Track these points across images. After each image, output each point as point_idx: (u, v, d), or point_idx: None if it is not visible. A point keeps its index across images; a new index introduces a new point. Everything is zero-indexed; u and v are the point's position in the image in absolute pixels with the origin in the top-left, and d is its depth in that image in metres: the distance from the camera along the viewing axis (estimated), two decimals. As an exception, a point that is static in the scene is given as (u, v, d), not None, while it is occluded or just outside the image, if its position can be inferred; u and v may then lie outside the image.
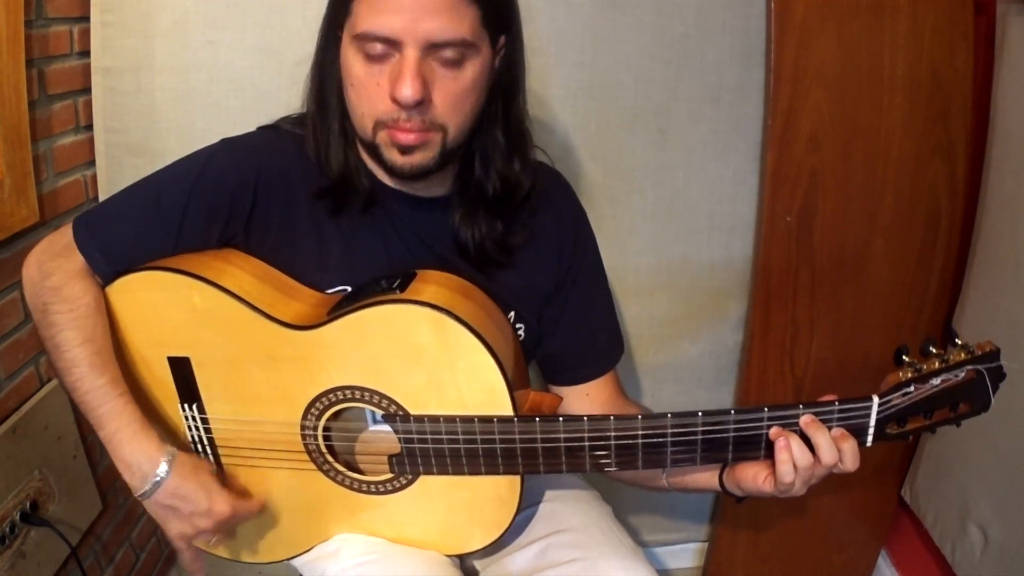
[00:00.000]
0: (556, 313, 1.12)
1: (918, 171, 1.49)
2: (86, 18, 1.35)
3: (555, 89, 1.46)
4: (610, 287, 1.19)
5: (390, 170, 0.95)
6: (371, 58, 0.87)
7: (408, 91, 0.85)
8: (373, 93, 0.89)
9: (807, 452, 0.89)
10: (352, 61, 0.89)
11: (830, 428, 0.89)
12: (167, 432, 1.03)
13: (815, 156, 1.47)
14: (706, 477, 1.03)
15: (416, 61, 0.85)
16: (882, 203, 1.51)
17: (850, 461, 0.89)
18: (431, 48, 0.86)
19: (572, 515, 1.11)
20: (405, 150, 0.91)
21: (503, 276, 1.05)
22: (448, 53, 0.87)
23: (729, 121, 1.53)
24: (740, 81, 1.50)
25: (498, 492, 0.98)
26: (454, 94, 0.89)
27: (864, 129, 1.46)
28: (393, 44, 0.85)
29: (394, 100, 0.87)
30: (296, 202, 1.00)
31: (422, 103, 0.87)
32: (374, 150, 0.94)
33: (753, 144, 1.54)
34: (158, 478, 0.91)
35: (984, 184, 1.47)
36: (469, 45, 0.87)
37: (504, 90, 0.99)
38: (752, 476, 0.95)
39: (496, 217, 1.03)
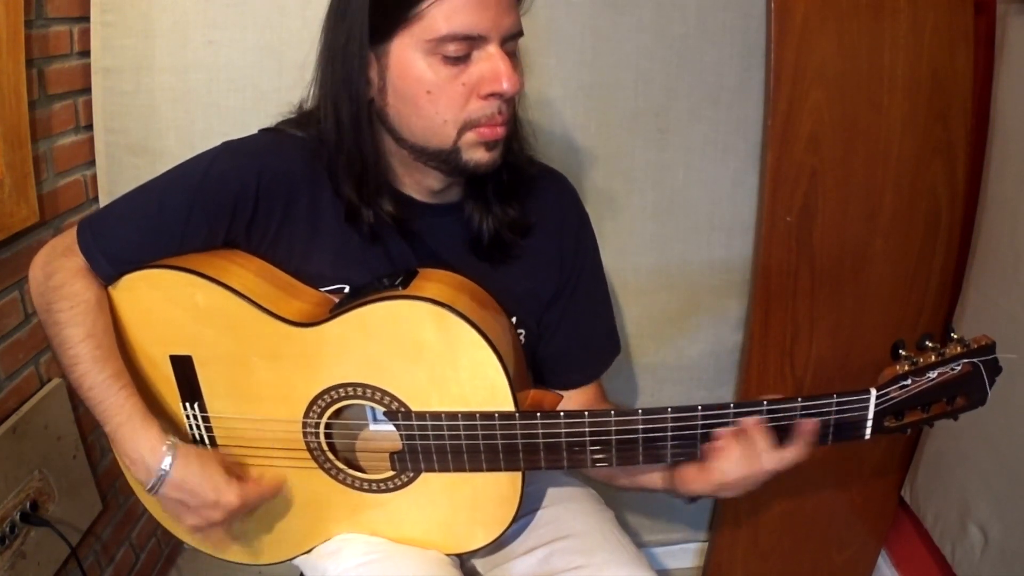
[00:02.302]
0: (555, 318, 1.12)
1: (918, 171, 1.49)
2: (86, 18, 1.36)
3: (555, 89, 1.47)
4: (610, 287, 1.19)
5: (462, 171, 0.94)
6: (449, 61, 0.87)
7: (510, 84, 0.87)
8: (459, 95, 0.89)
9: (742, 453, 0.89)
10: (424, 69, 0.87)
11: (786, 424, 0.89)
12: (170, 431, 1.03)
13: (815, 156, 1.48)
14: (656, 477, 1.04)
15: (504, 52, 0.88)
16: (882, 203, 1.51)
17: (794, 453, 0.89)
18: (507, 40, 0.89)
19: (574, 520, 1.11)
20: (493, 145, 0.92)
21: (505, 280, 1.05)
22: (512, 45, 0.90)
23: (729, 121, 1.53)
24: (740, 81, 1.50)
25: (499, 490, 0.98)
26: (520, 79, 0.91)
27: (864, 129, 1.47)
28: (476, 42, 0.86)
29: (493, 95, 0.88)
30: (298, 204, 0.99)
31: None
32: (449, 156, 0.93)
33: (753, 144, 1.54)
34: (162, 472, 0.90)
35: (984, 184, 1.47)
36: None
37: None
38: (693, 475, 0.95)
39: (507, 203, 1.04)
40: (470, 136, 0.91)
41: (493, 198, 1.03)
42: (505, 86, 0.87)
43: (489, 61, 0.87)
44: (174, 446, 0.92)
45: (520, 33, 0.91)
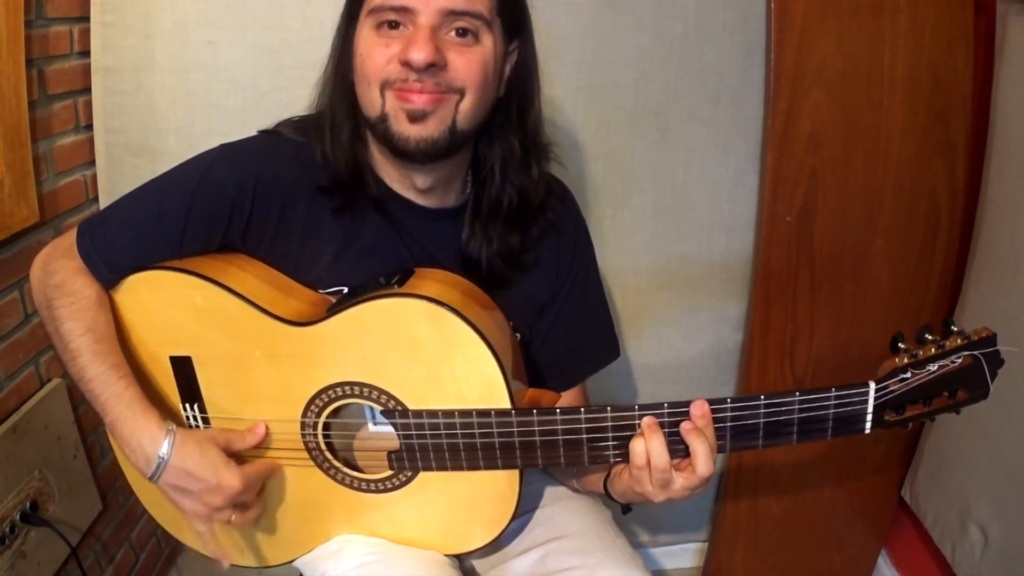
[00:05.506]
0: (548, 323, 1.12)
1: (918, 171, 1.49)
2: (86, 18, 1.36)
3: (555, 89, 1.46)
4: (610, 287, 1.19)
5: (397, 148, 0.93)
6: (383, 32, 0.89)
7: (420, 54, 0.86)
8: (381, 55, 0.89)
9: (645, 451, 0.88)
10: (365, 39, 0.90)
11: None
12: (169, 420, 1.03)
13: (815, 156, 1.48)
14: (596, 479, 1.05)
15: (430, 27, 0.87)
16: (882, 203, 1.51)
17: (700, 465, 0.88)
18: (446, 17, 0.88)
19: (571, 520, 1.11)
20: (416, 116, 0.90)
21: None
22: (462, 23, 0.89)
23: (729, 121, 1.53)
24: (740, 81, 1.50)
25: (497, 489, 0.98)
26: (470, 60, 0.90)
27: (864, 129, 1.47)
28: (407, 14, 0.87)
29: (405, 63, 0.87)
30: (295, 208, 0.99)
31: (434, 66, 0.87)
32: (383, 127, 0.92)
33: (753, 144, 1.54)
34: (161, 458, 0.90)
35: (984, 184, 1.47)
36: (484, 20, 0.89)
37: (519, 98, 1.01)
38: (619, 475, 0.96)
39: (509, 231, 1.03)
40: (391, 99, 0.90)
41: (492, 221, 1.02)
42: (413, 55, 0.86)
43: (410, 34, 0.88)
44: (172, 432, 0.92)
45: (475, 14, 0.89)
